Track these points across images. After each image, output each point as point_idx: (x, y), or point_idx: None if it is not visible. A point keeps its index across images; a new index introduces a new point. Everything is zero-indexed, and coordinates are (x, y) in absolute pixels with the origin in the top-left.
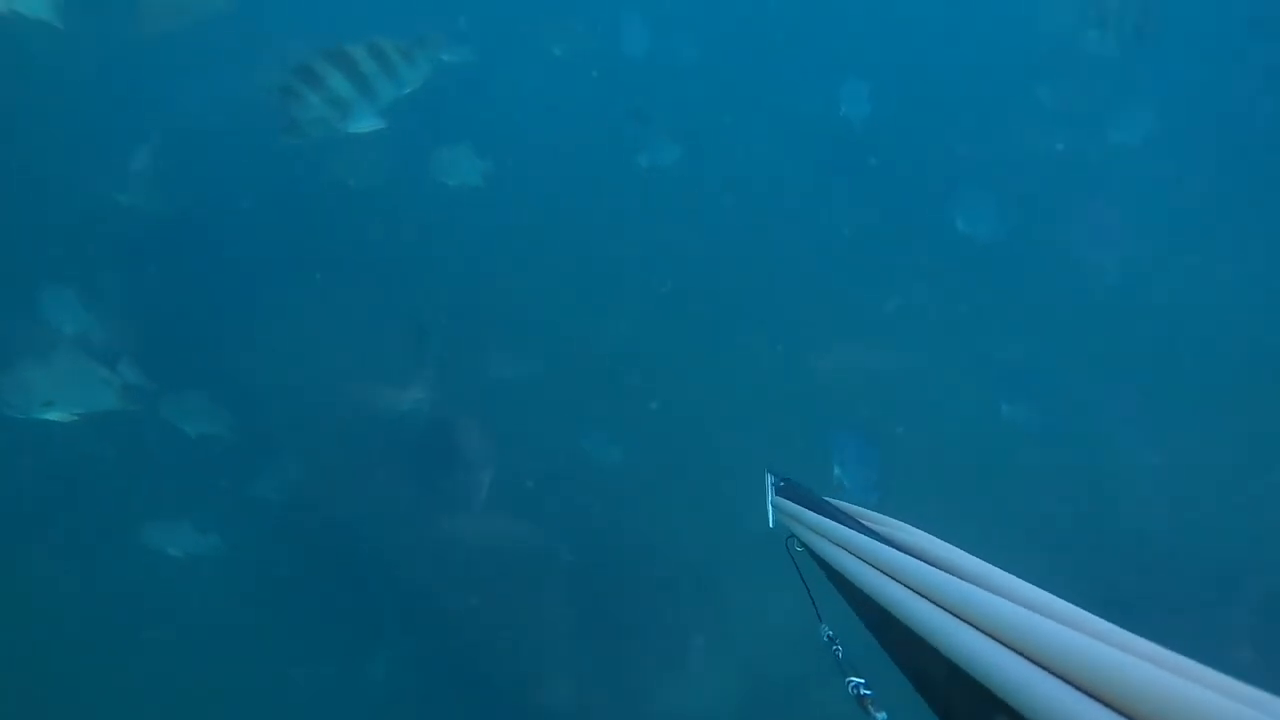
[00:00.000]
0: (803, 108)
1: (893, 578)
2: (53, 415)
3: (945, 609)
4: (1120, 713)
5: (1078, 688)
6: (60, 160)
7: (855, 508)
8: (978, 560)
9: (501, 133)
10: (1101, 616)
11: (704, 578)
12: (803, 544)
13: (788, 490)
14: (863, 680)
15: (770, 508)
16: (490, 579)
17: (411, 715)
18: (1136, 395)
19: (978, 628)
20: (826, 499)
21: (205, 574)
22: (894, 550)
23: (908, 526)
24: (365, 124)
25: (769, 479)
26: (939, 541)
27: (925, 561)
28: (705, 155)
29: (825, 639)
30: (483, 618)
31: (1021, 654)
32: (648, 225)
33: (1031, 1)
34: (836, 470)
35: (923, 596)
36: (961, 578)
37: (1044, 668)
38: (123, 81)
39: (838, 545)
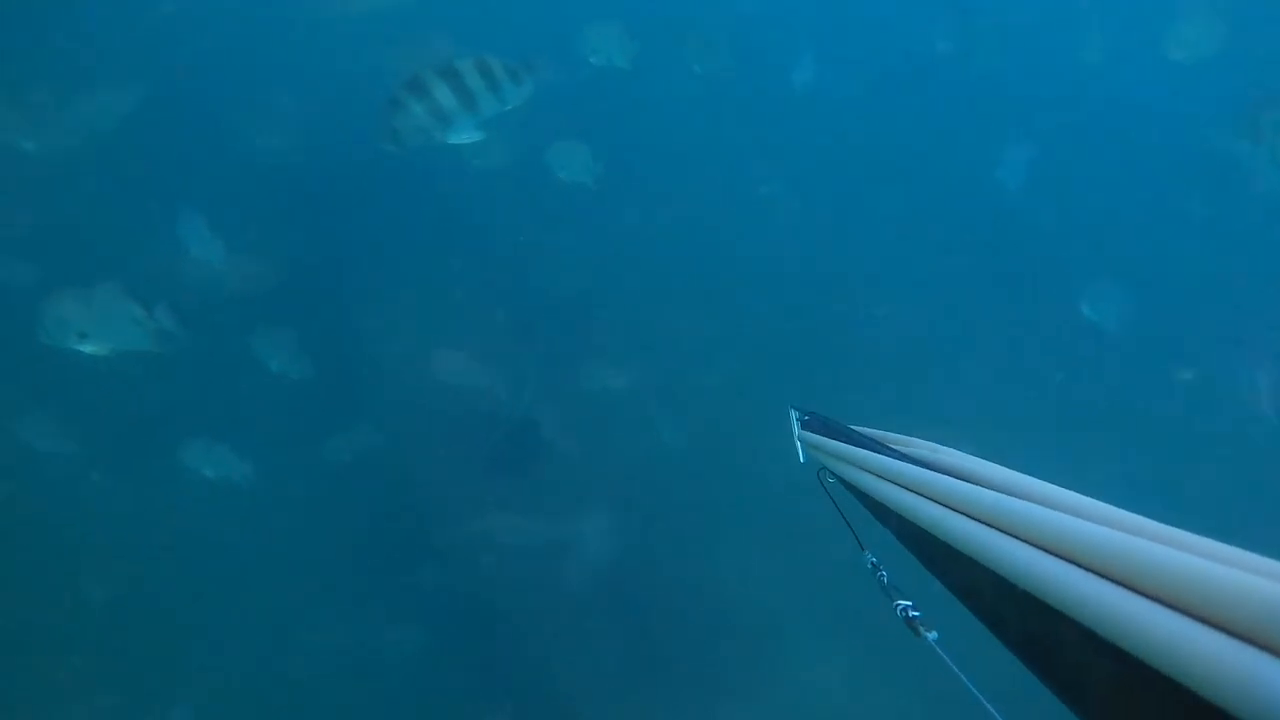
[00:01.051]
0: (955, 160)
1: (927, 497)
2: (86, 348)
3: (981, 521)
4: (1159, 601)
5: (1118, 584)
6: (221, 107)
7: (881, 433)
8: (1008, 470)
9: (625, 139)
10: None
11: (760, 637)
12: (834, 475)
13: (813, 424)
14: (910, 603)
15: (798, 443)
16: (533, 584)
17: (404, 692)
18: None
19: (1015, 536)
20: (852, 427)
21: (249, 507)
22: (925, 469)
23: (935, 445)
24: (465, 136)
25: (793, 414)
26: (968, 456)
27: (956, 477)
28: (827, 189)
29: (869, 566)
30: (515, 619)
31: (1061, 556)
32: (757, 254)
33: (1188, 112)
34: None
35: (957, 512)
36: (993, 489)
37: (1083, 567)
38: (298, 47)
39: (869, 472)
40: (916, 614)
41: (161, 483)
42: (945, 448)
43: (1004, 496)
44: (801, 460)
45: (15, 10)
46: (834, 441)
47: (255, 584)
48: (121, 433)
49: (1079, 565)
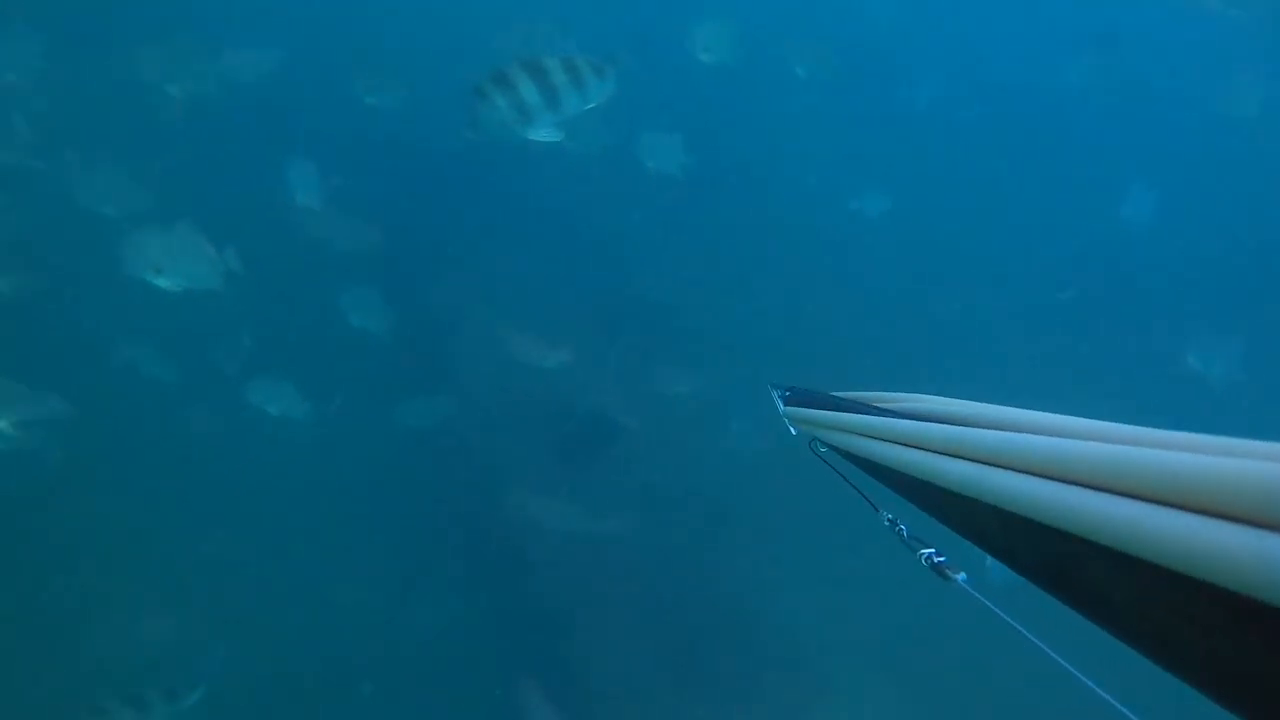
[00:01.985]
0: (1076, 194)
1: (917, 446)
2: (160, 281)
3: (972, 460)
4: (1163, 503)
5: (1111, 492)
6: (344, 74)
7: (863, 394)
8: (992, 406)
9: (723, 138)
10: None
11: (803, 659)
12: (825, 444)
13: (795, 398)
14: (933, 549)
15: (785, 419)
16: (578, 574)
17: (432, 658)
18: None
19: (1007, 467)
20: (834, 394)
21: (311, 455)
22: (911, 421)
23: (918, 395)
24: (544, 133)
25: (774, 393)
26: (950, 400)
27: (942, 422)
28: (933, 211)
29: (887, 523)
30: (553, 604)
31: (1056, 479)
32: (847, 268)
33: None
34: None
35: (948, 455)
36: (978, 427)
37: (1079, 484)
38: (417, 19)
39: (859, 434)
40: (942, 559)
41: (232, 418)
42: (927, 396)
43: (992, 432)
44: (794, 434)
45: None
46: (820, 411)
47: (301, 530)
48: (206, 364)
49: (1080, 485)
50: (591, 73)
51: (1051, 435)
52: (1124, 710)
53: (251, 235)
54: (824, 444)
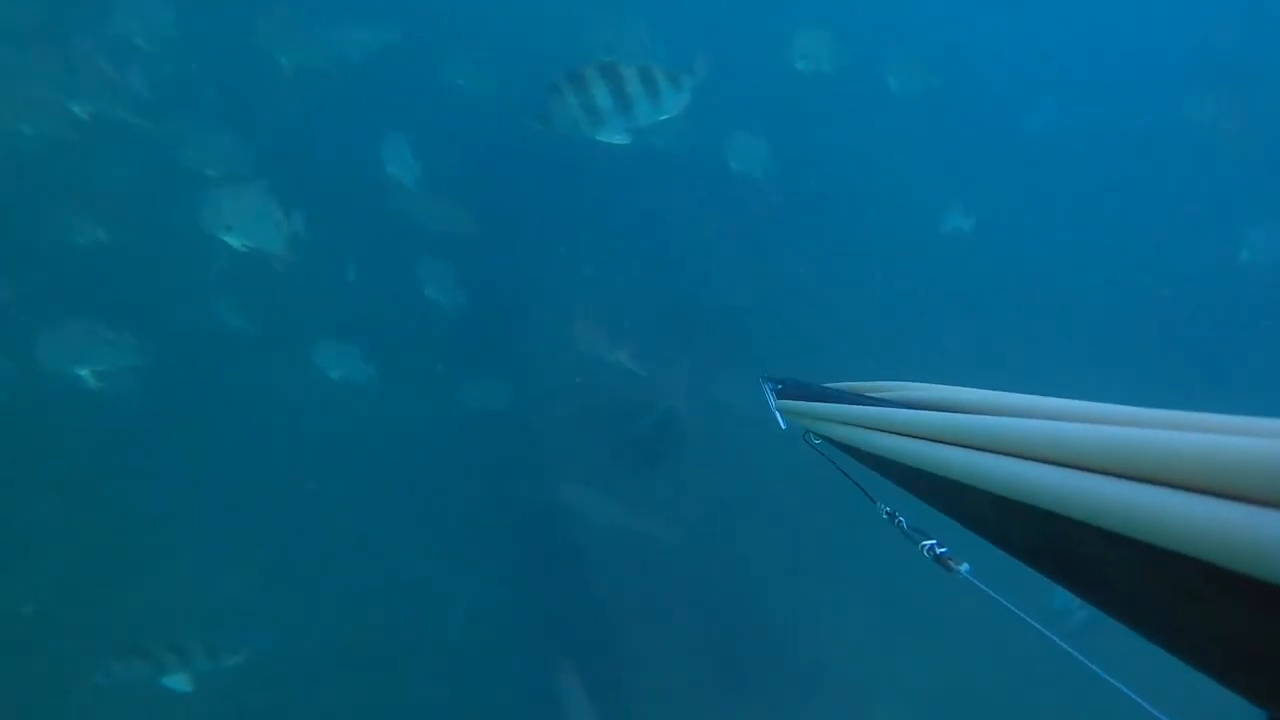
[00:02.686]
0: (1190, 233)
1: (912, 435)
2: (229, 239)
3: (967, 446)
4: (1160, 484)
5: (1107, 474)
6: (439, 58)
7: (855, 384)
8: (984, 391)
9: (809, 141)
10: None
11: (844, 683)
12: (820, 435)
13: (788, 390)
14: (935, 540)
15: (776, 412)
16: (630, 578)
17: (468, 638)
18: None
19: (1002, 452)
20: (826, 385)
21: (370, 423)
22: (902, 409)
23: (909, 384)
24: (614, 136)
25: (766, 387)
26: (943, 387)
27: (934, 409)
28: (1034, 240)
29: (885, 516)
30: (596, 601)
31: (1052, 462)
32: (935, 292)
33: None
34: None
35: (943, 442)
36: (972, 413)
37: (1075, 467)
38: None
39: (852, 424)
40: (944, 550)
41: (299, 379)
42: (918, 384)
43: (986, 417)
44: (783, 428)
45: None
46: (813, 403)
47: (355, 497)
48: (280, 323)
49: (1076, 468)
50: (667, 84)
51: (1048, 419)
52: (1150, 709)
53: (340, 202)
54: (819, 436)
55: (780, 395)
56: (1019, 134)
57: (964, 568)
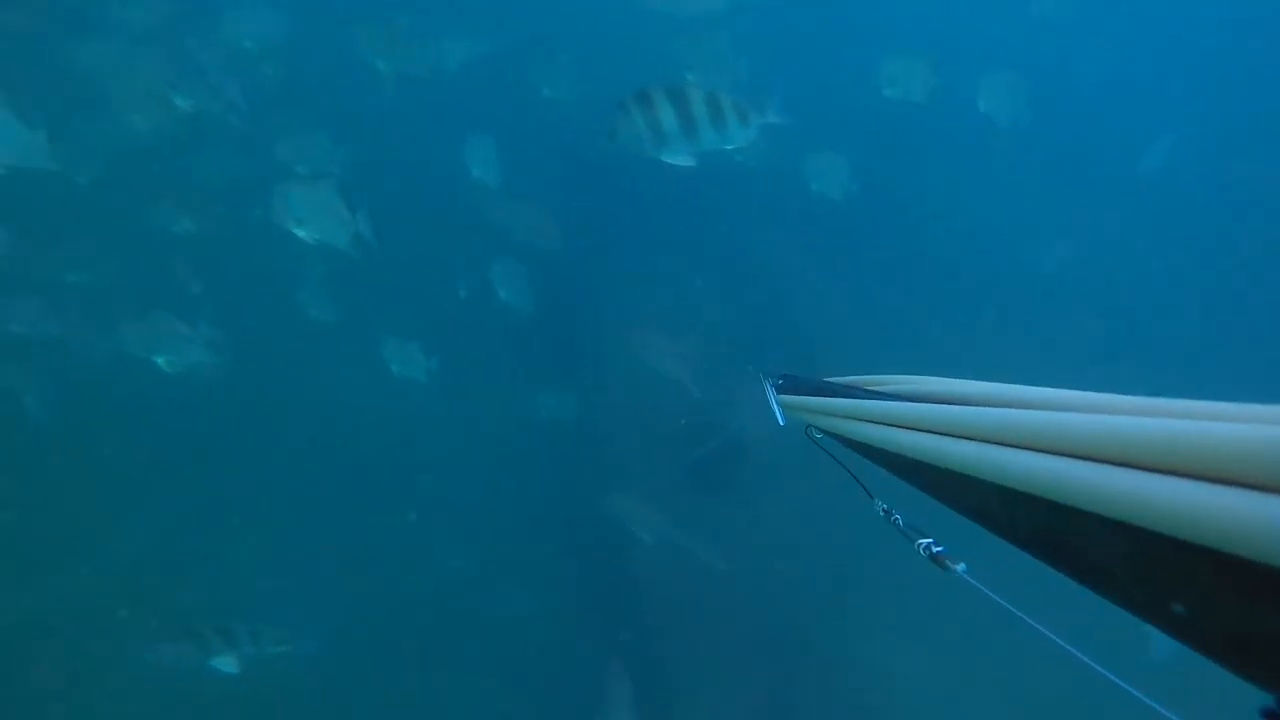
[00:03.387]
0: None
1: (912, 428)
2: (299, 232)
3: (970, 438)
4: (1159, 471)
5: (1110, 463)
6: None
7: (856, 378)
8: (986, 383)
9: (892, 165)
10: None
11: None
12: (821, 430)
13: (788, 386)
14: (931, 539)
15: (775, 406)
16: (681, 601)
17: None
18: None
19: (1004, 444)
20: (826, 380)
21: (435, 423)
22: (905, 402)
23: (911, 377)
24: (678, 158)
25: (766, 382)
26: (945, 380)
27: (937, 402)
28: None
29: (881, 513)
30: (654, 627)
31: (1056, 453)
32: (1031, 334)
33: None
34: None
35: (946, 434)
36: (973, 405)
37: (1078, 457)
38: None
39: (853, 418)
40: (940, 549)
41: (366, 372)
42: (920, 377)
43: (989, 409)
44: (781, 423)
45: None
46: (814, 398)
47: (411, 494)
48: (353, 315)
49: (1079, 457)
50: (734, 114)
51: (1048, 409)
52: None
53: (424, 203)
54: (820, 431)
55: (781, 391)
56: (1128, 174)
57: (960, 567)
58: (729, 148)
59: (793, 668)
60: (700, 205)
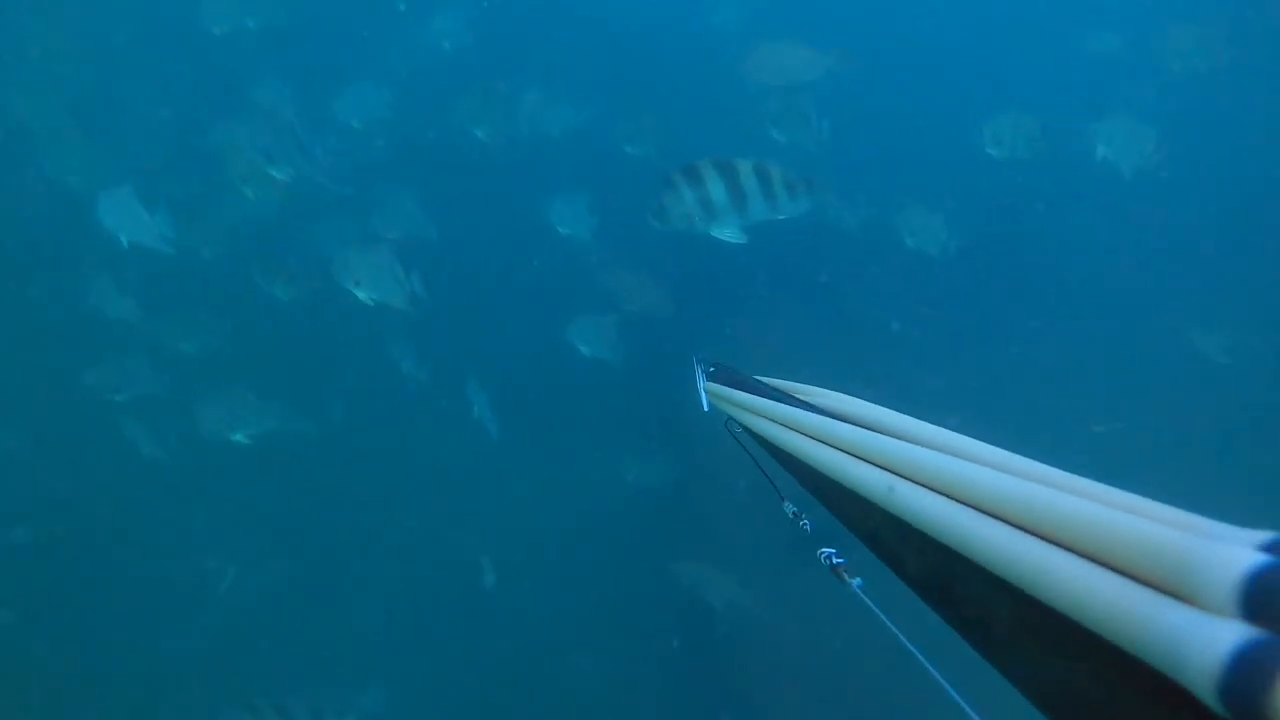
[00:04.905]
0: None
1: (824, 442)
2: (358, 292)
3: (879, 466)
4: (1054, 543)
5: (996, 518)
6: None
7: (784, 382)
8: (906, 417)
9: (996, 221)
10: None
11: None
12: (741, 425)
13: (718, 375)
14: (834, 550)
15: (702, 393)
16: (765, 682)
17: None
18: None
19: (905, 477)
20: (757, 378)
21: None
22: (824, 417)
23: (839, 394)
24: (728, 233)
25: (698, 366)
26: (869, 404)
27: (853, 423)
28: None
29: (790, 516)
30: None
31: (952, 498)
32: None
33: None
34: None
35: (853, 455)
36: (885, 434)
37: (970, 505)
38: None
39: (771, 420)
40: (841, 561)
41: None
42: (847, 395)
43: (897, 440)
44: (705, 409)
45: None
46: (739, 392)
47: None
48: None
49: (970, 507)
50: (783, 186)
51: (962, 458)
52: None
53: (512, 264)
54: (740, 425)
55: (711, 379)
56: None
57: (856, 582)
58: (780, 217)
59: None
60: (799, 263)
